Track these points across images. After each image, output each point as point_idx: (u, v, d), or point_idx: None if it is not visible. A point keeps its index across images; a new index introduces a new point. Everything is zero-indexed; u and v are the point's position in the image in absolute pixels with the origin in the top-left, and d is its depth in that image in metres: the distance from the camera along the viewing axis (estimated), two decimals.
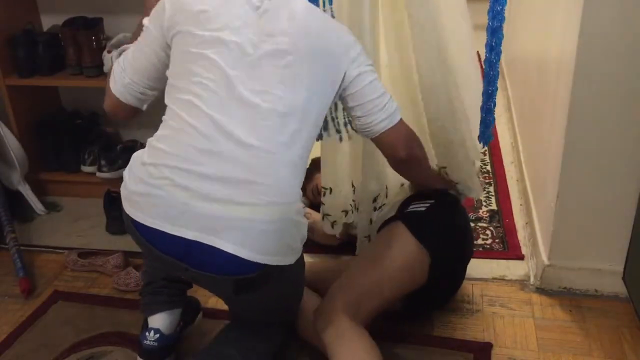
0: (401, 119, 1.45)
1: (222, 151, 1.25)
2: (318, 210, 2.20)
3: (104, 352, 1.66)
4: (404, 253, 1.54)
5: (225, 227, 1.23)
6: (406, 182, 1.83)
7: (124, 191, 1.32)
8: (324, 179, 1.81)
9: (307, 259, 2.00)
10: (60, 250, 2.15)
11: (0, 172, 2.35)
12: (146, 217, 1.27)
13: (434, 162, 1.79)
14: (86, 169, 2.41)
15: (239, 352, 1.44)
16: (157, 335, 1.51)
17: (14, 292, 1.95)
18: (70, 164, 2.44)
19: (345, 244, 2.00)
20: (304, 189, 2.40)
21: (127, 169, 1.34)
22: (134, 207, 1.29)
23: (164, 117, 1.34)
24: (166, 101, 1.35)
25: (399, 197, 1.79)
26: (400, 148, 1.45)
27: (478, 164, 1.81)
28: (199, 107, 1.27)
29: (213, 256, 1.23)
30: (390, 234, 1.60)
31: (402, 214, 1.67)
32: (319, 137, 1.74)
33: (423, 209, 1.65)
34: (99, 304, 1.86)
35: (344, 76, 1.36)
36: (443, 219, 1.65)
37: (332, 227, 1.89)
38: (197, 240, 1.23)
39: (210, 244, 1.23)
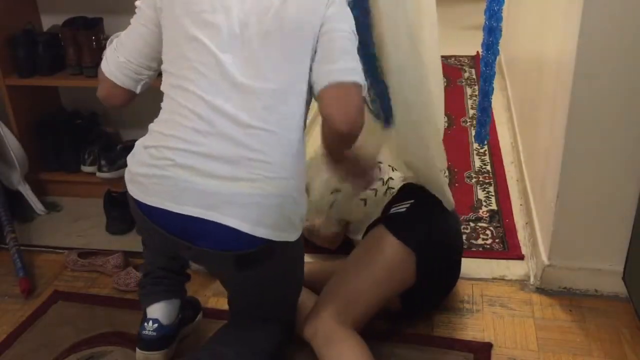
0: (358, 90, 1.31)
1: (220, 131, 1.27)
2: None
3: (104, 352, 1.66)
4: (388, 255, 1.56)
5: (226, 202, 1.25)
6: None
7: (127, 175, 1.36)
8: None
9: (306, 259, 2.01)
10: (60, 250, 2.15)
11: (1, 172, 2.35)
12: (149, 197, 1.30)
13: (405, 173, 1.82)
14: (86, 169, 2.41)
15: (234, 350, 1.43)
16: (156, 325, 1.51)
17: (14, 292, 1.95)
18: (70, 164, 2.44)
19: (345, 245, 2.00)
20: None
21: (130, 154, 1.38)
22: (138, 189, 1.33)
23: (162, 104, 1.37)
24: (162, 88, 1.37)
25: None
26: (339, 123, 1.31)
27: (446, 176, 1.80)
28: (194, 92, 1.30)
29: (215, 232, 1.26)
30: (373, 238, 1.63)
31: (384, 217, 1.69)
32: None
33: (403, 209, 1.67)
34: (99, 304, 1.86)
35: (319, 25, 1.34)
36: (424, 217, 1.66)
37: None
38: (200, 216, 1.26)
39: (212, 219, 1.25)
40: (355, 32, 1.37)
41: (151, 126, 1.37)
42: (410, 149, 1.63)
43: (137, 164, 1.34)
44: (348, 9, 1.38)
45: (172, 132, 1.31)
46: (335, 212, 1.91)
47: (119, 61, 1.41)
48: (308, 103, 1.38)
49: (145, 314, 1.55)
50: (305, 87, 1.34)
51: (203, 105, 1.29)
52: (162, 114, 1.36)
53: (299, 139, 1.34)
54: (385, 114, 1.63)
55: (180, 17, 1.33)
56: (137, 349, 1.53)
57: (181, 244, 1.32)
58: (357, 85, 1.30)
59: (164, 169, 1.28)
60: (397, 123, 1.60)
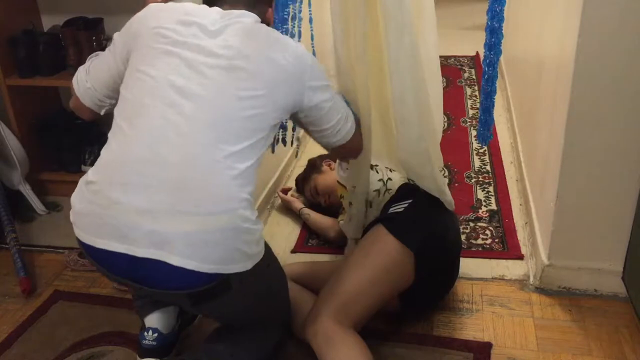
0: (355, 133, 1.52)
1: (160, 162, 1.24)
2: (317, 211, 2.22)
3: (104, 351, 1.66)
4: (386, 254, 1.56)
5: (170, 240, 1.21)
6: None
7: (72, 214, 1.31)
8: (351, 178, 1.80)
9: (306, 258, 2.01)
10: (61, 250, 2.15)
11: (1, 172, 2.36)
12: (95, 239, 1.26)
13: (403, 173, 1.82)
14: (87, 169, 2.37)
15: (228, 348, 1.44)
16: (156, 334, 1.51)
17: (15, 291, 1.95)
18: (71, 164, 2.45)
19: (345, 245, 2.00)
20: (302, 190, 2.43)
21: (74, 191, 1.33)
22: (81, 229, 1.29)
23: (113, 126, 1.34)
24: (114, 111, 1.36)
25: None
26: (347, 156, 1.67)
27: (446, 176, 1.80)
28: (137, 123, 1.28)
29: (163, 271, 1.22)
30: (371, 238, 1.63)
31: (382, 217, 1.69)
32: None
33: (401, 209, 1.67)
34: (99, 304, 1.87)
35: (300, 103, 1.38)
36: (422, 216, 1.67)
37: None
38: (147, 257, 1.22)
39: (159, 258, 1.21)
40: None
41: (98, 159, 1.33)
42: (408, 147, 1.63)
43: (79, 200, 1.30)
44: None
45: (112, 164, 1.28)
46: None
47: (86, 86, 1.45)
48: (264, 139, 1.34)
49: (143, 323, 1.55)
50: (261, 123, 1.32)
51: (145, 134, 1.26)
52: (108, 143, 1.33)
53: (247, 169, 1.29)
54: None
55: (143, 50, 1.35)
56: (139, 358, 1.54)
57: (132, 284, 1.30)
58: (352, 137, 1.52)
59: (103, 207, 1.24)
60: (395, 122, 1.61)
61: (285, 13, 1.73)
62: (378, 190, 1.82)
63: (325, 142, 1.52)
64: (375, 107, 1.66)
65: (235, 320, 1.48)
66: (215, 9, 1.38)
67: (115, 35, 1.42)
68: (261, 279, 1.36)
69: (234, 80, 1.29)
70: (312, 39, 1.87)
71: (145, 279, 1.27)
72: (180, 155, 1.24)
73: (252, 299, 1.38)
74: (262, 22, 1.41)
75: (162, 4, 1.42)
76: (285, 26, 1.74)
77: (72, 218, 1.31)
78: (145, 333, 1.52)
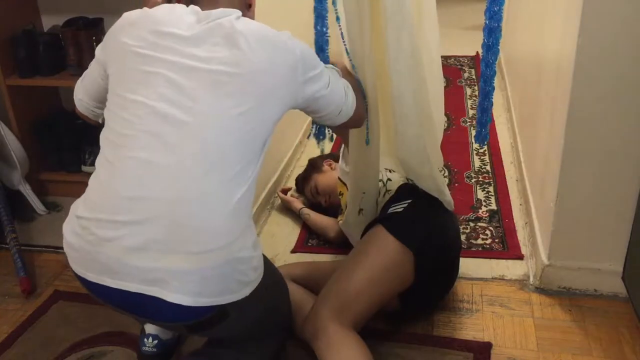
0: (357, 106, 1.47)
1: (148, 198, 1.19)
2: (317, 211, 2.22)
3: (104, 351, 1.66)
4: (386, 254, 1.56)
5: (164, 278, 1.18)
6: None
7: (64, 244, 1.29)
8: (360, 185, 1.78)
9: (306, 258, 2.01)
10: (61, 250, 2.09)
11: (1, 172, 2.36)
12: (86, 272, 1.25)
13: (402, 173, 1.82)
14: (87, 169, 2.42)
15: (232, 352, 1.43)
16: (156, 341, 1.50)
17: (15, 291, 1.95)
18: (71, 164, 2.45)
19: (344, 245, 2.00)
20: (302, 190, 2.43)
21: (66, 220, 1.31)
22: (74, 262, 1.27)
23: (99, 154, 1.29)
24: (100, 135, 1.30)
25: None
26: (351, 127, 1.57)
27: (445, 177, 1.79)
28: (121, 154, 1.22)
29: (159, 306, 1.20)
30: (371, 238, 1.63)
31: (382, 217, 1.69)
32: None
33: (401, 209, 1.67)
34: (99, 304, 1.83)
35: (294, 101, 1.33)
36: (422, 216, 1.67)
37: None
38: (140, 292, 1.19)
39: (153, 294, 1.19)
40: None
41: (88, 188, 1.30)
42: (407, 147, 1.63)
43: (71, 233, 1.27)
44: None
45: (101, 200, 1.23)
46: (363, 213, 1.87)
47: (78, 97, 1.46)
48: (257, 158, 1.28)
49: (143, 327, 1.54)
50: (256, 142, 1.27)
51: (134, 167, 1.20)
52: (96, 172, 1.29)
53: (242, 199, 1.23)
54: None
55: (120, 70, 1.29)
56: None
57: (127, 315, 1.30)
58: (354, 114, 1.46)
59: (94, 246, 1.21)
60: (395, 121, 1.61)
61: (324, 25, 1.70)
62: (377, 191, 1.81)
63: (329, 123, 1.49)
64: (379, 107, 1.66)
65: (236, 338, 1.46)
66: (192, 9, 1.28)
67: (97, 49, 1.37)
68: (260, 302, 1.31)
69: (219, 97, 1.21)
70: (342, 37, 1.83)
71: (140, 312, 1.26)
72: (169, 189, 1.18)
73: (251, 322, 1.35)
74: (244, 13, 1.32)
75: (135, 12, 1.33)
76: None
77: (64, 248, 1.29)
78: (145, 340, 1.51)
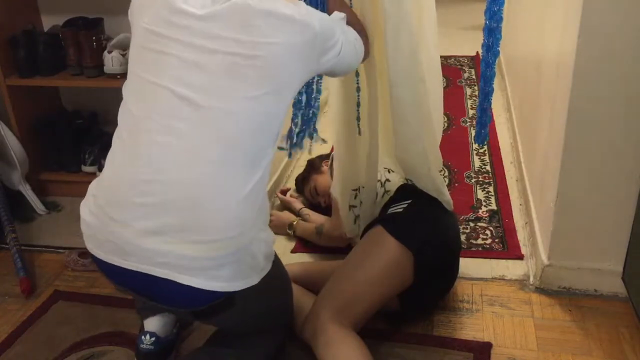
0: (364, 50, 1.45)
1: (164, 182, 1.19)
2: (317, 211, 2.21)
3: (104, 351, 1.66)
4: (385, 255, 1.56)
5: (178, 261, 1.18)
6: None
7: (81, 222, 1.30)
8: (353, 181, 1.78)
9: (306, 259, 2.01)
10: (61, 250, 2.15)
11: (1, 172, 2.36)
12: (100, 251, 1.26)
13: (402, 173, 1.82)
14: (87, 169, 2.42)
15: (232, 351, 1.44)
16: (153, 338, 1.50)
17: (15, 291, 1.95)
18: (71, 164, 2.45)
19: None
20: (301, 190, 2.42)
21: (84, 198, 1.32)
22: (89, 240, 1.28)
23: (117, 129, 1.29)
24: (119, 112, 1.30)
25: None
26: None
27: (445, 177, 1.79)
28: (138, 137, 1.23)
29: (170, 289, 1.20)
30: (371, 238, 1.63)
31: (381, 218, 1.69)
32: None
33: (401, 209, 1.67)
34: (99, 304, 1.87)
35: (311, 74, 1.34)
36: (421, 216, 1.67)
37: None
38: (152, 274, 1.20)
39: (166, 277, 1.19)
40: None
41: (104, 168, 1.30)
42: (405, 147, 1.63)
43: (86, 211, 1.28)
44: None
45: (116, 182, 1.23)
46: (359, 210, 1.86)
47: None
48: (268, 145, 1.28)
49: (142, 325, 1.54)
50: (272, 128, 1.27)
51: (150, 148, 1.20)
52: (111, 154, 1.29)
53: (255, 187, 1.23)
54: None
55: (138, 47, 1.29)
56: None
57: (135, 295, 1.31)
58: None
59: (108, 226, 1.22)
60: (393, 121, 1.61)
61: None
62: (376, 185, 1.81)
63: (344, 75, 1.49)
64: (379, 107, 1.67)
65: (237, 330, 1.47)
66: None
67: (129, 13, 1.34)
68: (267, 291, 1.32)
69: (235, 82, 1.20)
70: None
71: (149, 293, 1.27)
72: (185, 174, 1.19)
73: (256, 311, 1.36)
74: None
75: None
76: None
77: (81, 226, 1.30)
78: (143, 337, 1.51)
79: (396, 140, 1.64)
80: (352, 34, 1.42)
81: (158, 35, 1.23)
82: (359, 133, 1.66)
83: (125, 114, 1.28)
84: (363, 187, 1.78)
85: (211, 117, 1.20)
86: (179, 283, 1.19)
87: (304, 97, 1.76)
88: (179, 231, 1.18)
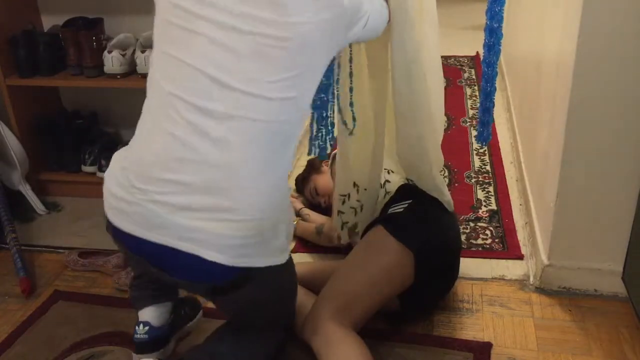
0: (388, 12, 1.44)
1: (198, 162, 1.20)
2: (317, 211, 2.22)
3: (104, 351, 1.66)
4: (386, 255, 1.56)
5: (204, 237, 1.20)
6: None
7: (105, 191, 1.31)
8: (343, 186, 1.78)
9: (306, 258, 2.01)
10: (61, 250, 2.15)
11: (1, 172, 2.36)
12: (122, 222, 1.27)
13: (402, 174, 1.82)
14: (87, 168, 2.42)
15: (230, 349, 1.44)
16: (147, 327, 1.51)
17: (15, 291, 1.95)
18: (71, 164, 2.45)
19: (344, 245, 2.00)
20: (301, 190, 2.42)
21: (108, 168, 1.33)
22: (111, 210, 1.29)
23: (144, 105, 1.29)
24: (148, 80, 1.29)
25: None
26: None
27: (445, 177, 1.78)
28: (171, 113, 1.22)
29: (191, 263, 1.22)
30: (371, 239, 1.63)
31: (382, 218, 1.69)
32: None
33: (401, 209, 1.67)
34: (99, 304, 1.87)
35: (338, 47, 1.34)
36: (422, 216, 1.67)
37: (349, 235, 1.86)
38: (176, 247, 1.21)
39: (190, 251, 1.21)
40: None
41: (131, 141, 1.30)
42: (407, 146, 1.63)
43: (113, 182, 1.28)
44: None
45: (148, 155, 1.24)
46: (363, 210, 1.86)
47: None
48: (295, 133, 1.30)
49: (137, 317, 1.55)
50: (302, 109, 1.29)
51: (185, 127, 1.20)
52: (141, 125, 1.29)
53: (283, 164, 1.28)
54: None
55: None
56: (133, 353, 1.55)
57: (154, 269, 1.31)
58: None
59: (135, 197, 1.23)
60: (396, 120, 1.61)
61: None
62: (378, 187, 1.81)
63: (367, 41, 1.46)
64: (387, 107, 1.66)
65: (243, 316, 1.47)
66: None
67: None
68: (280, 277, 1.37)
69: (265, 64, 1.19)
70: None
71: (168, 266, 1.28)
72: (218, 156, 1.20)
73: (266, 298, 1.38)
74: None
75: None
76: None
77: (105, 195, 1.31)
78: (137, 327, 1.52)
79: (398, 139, 1.64)
80: (377, 1, 1.41)
81: (185, 11, 1.20)
82: (351, 133, 1.65)
83: (154, 87, 1.27)
84: (365, 190, 1.77)
85: (242, 100, 1.20)
86: (203, 258, 1.21)
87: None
88: (209, 209, 1.20)
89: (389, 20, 1.47)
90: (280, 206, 1.30)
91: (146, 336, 1.52)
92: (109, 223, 1.31)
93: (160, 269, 1.29)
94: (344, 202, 1.78)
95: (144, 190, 1.22)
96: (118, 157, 1.33)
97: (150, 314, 1.53)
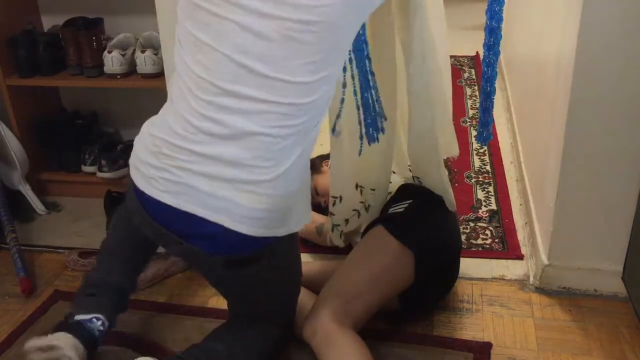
0: None
1: (228, 136, 1.23)
2: (318, 212, 2.21)
3: (104, 351, 1.65)
4: (386, 255, 1.56)
5: (229, 207, 1.25)
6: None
7: (132, 157, 1.36)
8: (334, 188, 1.77)
9: (306, 258, 2.01)
10: (61, 250, 2.15)
11: (1, 172, 2.36)
12: (151, 188, 1.30)
13: (403, 174, 1.82)
14: (87, 168, 2.42)
15: (227, 347, 1.44)
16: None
17: (15, 291, 1.95)
18: (71, 164, 2.45)
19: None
20: None
21: (138, 135, 1.38)
22: (138, 174, 1.33)
23: (175, 74, 1.31)
24: (176, 60, 1.31)
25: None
26: None
27: (447, 174, 1.78)
28: (203, 91, 1.24)
29: (213, 231, 1.26)
30: (371, 238, 1.63)
31: (382, 217, 1.69)
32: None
33: (402, 209, 1.67)
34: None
35: (365, 16, 1.34)
36: (422, 216, 1.67)
37: (340, 236, 1.86)
38: (199, 215, 1.25)
39: (212, 219, 1.25)
40: None
41: (163, 108, 1.34)
42: (421, 141, 1.63)
43: (143, 148, 1.33)
44: None
45: (178, 129, 1.27)
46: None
47: None
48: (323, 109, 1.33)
49: (70, 314, 1.50)
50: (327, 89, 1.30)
51: (213, 108, 1.24)
52: (173, 95, 1.31)
53: (306, 145, 1.31)
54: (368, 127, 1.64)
55: None
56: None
57: (172, 238, 1.32)
58: None
59: (165, 166, 1.27)
60: (410, 116, 1.60)
61: None
62: (386, 189, 1.82)
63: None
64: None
65: (247, 300, 1.48)
66: None
67: None
68: (289, 254, 1.43)
69: (295, 50, 1.19)
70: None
71: (190, 235, 1.30)
72: (249, 131, 1.23)
73: (278, 274, 1.41)
74: None
75: None
76: None
77: (131, 160, 1.36)
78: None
79: (410, 133, 1.63)
80: None
81: None
82: (333, 131, 1.62)
83: (182, 64, 1.28)
84: (347, 195, 1.76)
85: (272, 85, 1.21)
86: (227, 228, 1.25)
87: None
88: (235, 181, 1.24)
89: None
90: (303, 182, 1.34)
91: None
92: (135, 188, 1.33)
93: (180, 236, 1.31)
94: (334, 204, 1.78)
95: (172, 157, 1.27)
96: (147, 124, 1.37)
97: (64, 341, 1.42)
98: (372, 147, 1.68)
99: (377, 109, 1.63)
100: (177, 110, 1.28)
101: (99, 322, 1.48)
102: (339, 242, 1.87)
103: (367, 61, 1.56)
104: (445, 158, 1.75)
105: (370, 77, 1.58)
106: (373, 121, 1.64)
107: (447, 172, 1.75)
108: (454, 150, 1.79)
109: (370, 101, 1.61)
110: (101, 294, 1.54)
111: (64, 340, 1.40)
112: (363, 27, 1.51)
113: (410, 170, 1.81)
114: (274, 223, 1.30)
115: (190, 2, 1.25)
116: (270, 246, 1.32)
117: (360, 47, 1.53)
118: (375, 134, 1.65)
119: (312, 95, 1.25)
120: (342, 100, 1.58)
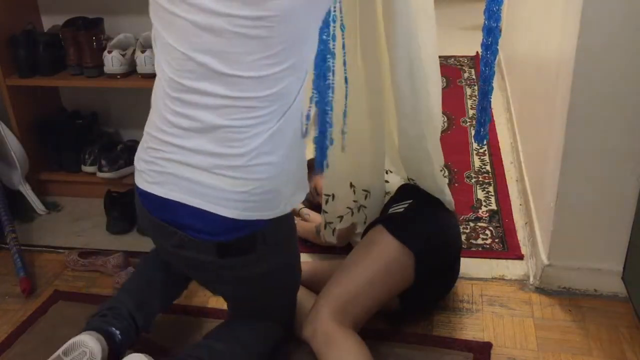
0: None
1: (203, 129, 1.26)
2: (317, 211, 2.21)
3: None
4: (386, 255, 1.56)
5: (214, 193, 1.27)
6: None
7: (135, 157, 1.42)
8: (326, 186, 1.78)
9: (306, 258, 2.01)
10: (61, 250, 2.15)
11: (1, 172, 2.36)
12: (140, 181, 1.37)
13: (402, 174, 1.82)
14: (87, 168, 2.42)
15: (227, 346, 1.44)
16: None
17: (15, 291, 1.95)
18: (71, 164, 2.45)
19: (345, 245, 2.00)
20: None
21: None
22: (135, 172, 1.39)
23: (157, 59, 1.34)
24: (155, 60, 1.35)
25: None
26: None
27: (445, 176, 1.78)
28: (176, 89, 1.28)
29: (198, 217, 1.29)
30: (371, 239, 1.63)
31: (382, 217, 1.69)
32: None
33: (402, 209, 1.67)
34: (99, 304, 1.86)
35: None
36: (422, 216, 1.67)
37: (333, 234, 1.87)
38: (181, 201, 1.29)
39: (195, 205, 1.28)
40: None
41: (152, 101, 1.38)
42: (411, 146, 1.63)
43: (140, 147, 1.40)
44: None
45: (156, 124, 1.33)
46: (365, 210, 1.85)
47: None
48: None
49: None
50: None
51: (191, 109, 1.27)
52: (156, 91, 1.36)
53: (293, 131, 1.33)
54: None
55: None
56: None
57: (169, 230, 1.34)
58: None
59: (153, 159, 1.33)
60: (398, 119, 1.60)
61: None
62: (383, 192, 1.82)
63: None
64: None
65: (246, 297, 1.48)
66: None
67: None
68: (280, 249, 1.42)
69: (252, 45, 1.20)
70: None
71: (181, 224, 1.32)
72: (225, 124, 1.26)
73: (273, 268, 1.40)
74: None
75: None
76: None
77: (135, 161, 1.42)
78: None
79: (400, 139, 1.64)
80: None
81: None
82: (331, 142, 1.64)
83: (158, 66, 1.33)
84: (340, 193, 1.76)
85: (230, 82, 1.23)
86: (209, 212, 1.27)
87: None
88: (216, 167, 1.27)
89: None
90: (291, 165, 1.34)
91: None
92: (135, 187, 1.40)
93: (174, 226, 1.33)
94: (327, 202, 1.78)
95: (157, 150, 1.32)
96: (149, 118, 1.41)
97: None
98: (360, 145, 1.69)
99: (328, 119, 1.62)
100: (158, 108, 1.34)
101: (117, 332, 1.46)
102: (332, 239, 1.87)
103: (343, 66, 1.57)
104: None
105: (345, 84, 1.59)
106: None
107: (445, 173, 1.75)
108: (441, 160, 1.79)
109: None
110: (114, 316, 1.50)
111: (84, 336, 1.40)
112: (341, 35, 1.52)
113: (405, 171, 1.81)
114: (260, 205, 1.30)
115: (154, 1, 1.28)
116: (262, 233, 1.32)
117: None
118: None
119: (275, 87, 1.25)
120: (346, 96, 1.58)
